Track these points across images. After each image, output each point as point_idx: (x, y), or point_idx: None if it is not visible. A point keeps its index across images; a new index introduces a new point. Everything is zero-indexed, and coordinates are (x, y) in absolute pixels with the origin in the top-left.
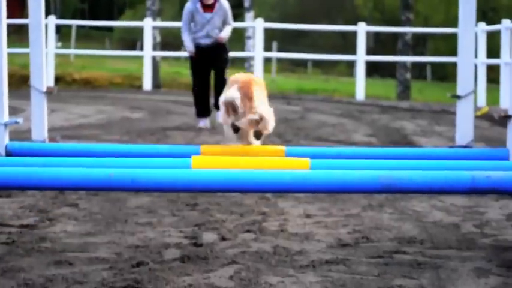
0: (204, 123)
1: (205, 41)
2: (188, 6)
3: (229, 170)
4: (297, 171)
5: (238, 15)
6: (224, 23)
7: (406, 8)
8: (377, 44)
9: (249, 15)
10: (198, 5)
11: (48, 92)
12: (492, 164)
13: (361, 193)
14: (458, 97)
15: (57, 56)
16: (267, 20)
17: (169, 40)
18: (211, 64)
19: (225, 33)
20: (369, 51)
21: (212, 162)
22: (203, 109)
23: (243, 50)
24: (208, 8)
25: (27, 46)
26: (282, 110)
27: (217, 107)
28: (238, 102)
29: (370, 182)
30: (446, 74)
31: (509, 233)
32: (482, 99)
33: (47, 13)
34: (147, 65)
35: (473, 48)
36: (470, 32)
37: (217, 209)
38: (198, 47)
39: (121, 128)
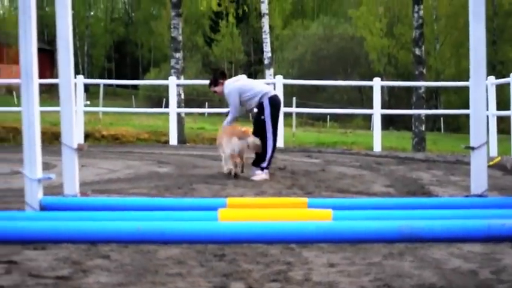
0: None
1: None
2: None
3: (254, 221)
4: (320, 221)
5: (258, 71)
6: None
7: (419, 62)
8: (391, 97)
9: (269, 72)
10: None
11: (79, 149)
12: (507, 212)
13: (382, 242)
14: (472, 148)
15: (86, 113)
16: (286, 76)
17: (192, 96)
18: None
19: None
20: (384, 105)
21: (238, 214)
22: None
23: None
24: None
25: (57, 104)
26: (302, 163)
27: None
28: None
29: (391, 232)
30: (459, 126)
31: None
32: (494, 150)
33: (76, 72)
34: (172, 120)
35: (485, 101)
36: (481, 85)
37: (244, 260)
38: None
39: (149, 182)
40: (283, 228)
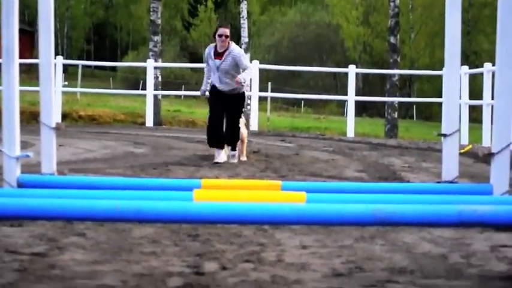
0: (220, 156)
1: (220, 86)
2: (206, 50)
3: (229, 202)
4: (294, 204)
5: None
6: (238, 68)
7: (393, 51)
8: (366, 84)
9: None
10: (212, 51)
11: (57, 128)
12: (477, 198)
13: (356, 225)
14: (444, 135)
15: (64, 94)
16: (262, 62)
17: (170, 79)
18: (225, 107)
19: (242, 76)
20: (359, 92)
21: (213, 195)
22: (215, 140)
23: None
24: (219, 55)
25: (36, 84)
26: (276, 147)
27: (230, 146)
28: None
29: (364, 215)
30: (431, 114)
31: (494, 264)
32: (465, 138)
33: (55, 54)
34: (149, 102)
35: (458, 90)
36: (455, 74)
37: (218, 240)
38: (214, 87)
39: (125, 162)
40: (257, 210)
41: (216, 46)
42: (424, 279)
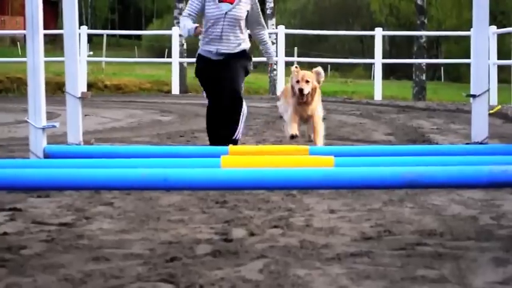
0: None
1: (218, 47)
2: None
3: (256, 168)
4: (322, 168)
5: None
6: (253, 23)
7: (420, 12)
8: (393, 47)
9: (271, 22)
10: None
11: (83, 98)
12: (508, 159)
13: (384, 189)
14: (473, 96)
15: (89, 64)
16: (288, 26)
17: (195, 47)
18: (222, 78)
19: (269, 45)
20: (385, 55)
21: (240, 161)
22: (218, 139)
23: None
24: None
25: (61, 55)
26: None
27: (232, 141)
28: None
29: (393, 178)
30: (459, 75)
31: None
32: (494, 99)
33: (80, 24)
34: (174, 70)
35: (487, 50)
36: (483, 34)
37: (245, 206)
38: (206, 55)
39: (151, 130)
40: (285, 175)
41: None
42: (454, 242)
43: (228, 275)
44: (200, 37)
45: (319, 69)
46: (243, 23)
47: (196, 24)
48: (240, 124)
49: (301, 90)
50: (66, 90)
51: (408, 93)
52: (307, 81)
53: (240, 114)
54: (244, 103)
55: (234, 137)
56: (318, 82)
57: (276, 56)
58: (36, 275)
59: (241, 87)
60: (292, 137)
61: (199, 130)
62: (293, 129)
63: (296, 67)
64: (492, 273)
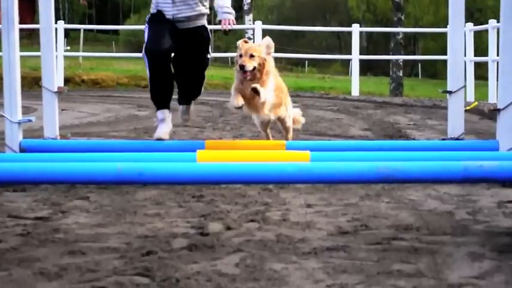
0: (165, 124)
1: (173, 10)
2: None
3: (233, 163)
4: (298, 163)
5: (238, 17)
6: None
7: (397, 9)
8: (370, 43)
9: (248, 17)
10: None
11: (59, 92)
12: (483, 154)
13: (360, 183)
14: (450, 92)
15: (67, 58)
16: (265, 22)
17: None
18: (178, 46)
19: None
20: (363, 51)
21: (216, 156)
22: (163, 92)
23: None
24: None
25: (37, 50)
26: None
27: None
28: None
29: (369, 173)
30: (436, 72)
31: (501, 220)
32: (471, 95)
33: (57, 18)
34: None
35: (463, 47)
36: (459, 31)
37: (222, 200)
38: (160, 13)
39: (128, 125)
40: (262, 169)
41: None
42: (430, 236)
43: (204, 269)
44: (151, 3)
45: (268, 39)
46: None
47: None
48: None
49: (242, 66)
50: (42, 85)
51: (385, 89)
52: (251, 56)
53: (205, 68)
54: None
55: (196, 95)
56: (268, 54)
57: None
58: (12, 268)
59: (203, 71)
60: (237, 108)
61: (176, 125)
62: (238, 99)
63: (245, 41)
64: (468, 268)
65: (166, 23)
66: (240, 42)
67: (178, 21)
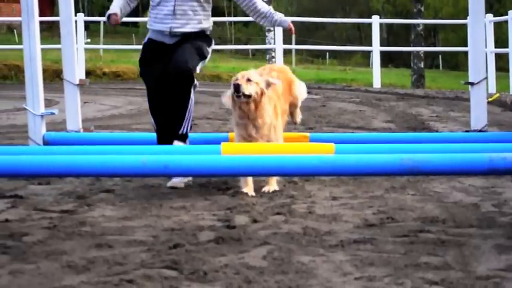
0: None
1: (171, 25)
2: None
3: (257, 155)
4: (323, 155)
5: None
6: None
7: (417, 0)
8: (390, 35)
9: None
10: None
11: (81, 84)
12: (507, 146)
13: (385, 176)
14: (471, 84)
15: (87, 51)
16: (285, 14)
17: None
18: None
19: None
20: (383, 42)
21: (240, 148)
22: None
23: (264, 43)
24: None
25: (57, 42)
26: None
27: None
28: None
29: (393, 165)
30: (457, 63)
31: None
32: (492, 87)
33: (76, 11)
34: None
35: (484, 38)
36: (480, 22)
37: (247, 193)
38: (154, 43)
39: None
40: (287, 162)
41: None
42: (457, 229)
43: (231, 262)
44: (149, 16)
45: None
46: None
47: (115, 11)
48: (187, 114)
49: (236, 86)
50: (64, 78)
51: (407, 81)
52: (248, 80)
53: (187, 100)
54: (192, 93)
55: (180, 131)
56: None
57: (274, 43)
58: (39, 261)
59: (194, 64)
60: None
61: (199, 117)
62: (247, 186)
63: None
64: (495, 261)
65: (162, 48)
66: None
67: (174, 35)
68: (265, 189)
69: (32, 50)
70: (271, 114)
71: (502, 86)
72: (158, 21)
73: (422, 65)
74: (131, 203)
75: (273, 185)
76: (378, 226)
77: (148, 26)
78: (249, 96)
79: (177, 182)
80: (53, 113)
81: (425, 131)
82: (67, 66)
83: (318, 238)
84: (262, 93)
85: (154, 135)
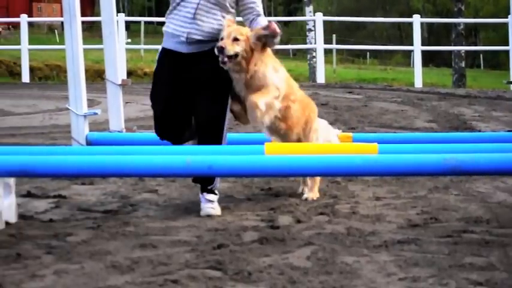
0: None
1: (190, 32)
2: None
3: (300, 155)
4: (367, 155)
5: (298, 9)
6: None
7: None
8: (430, 34)
9: (308, 9)
10: None
11: (123, 85)
12: None
13: (428, 175)
14: None
15: (128, 51)
16: (325, 14)
17: None
18: (194, 87)
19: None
20: (424, 42)
21: (284, 148)
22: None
23: (305, 42)
24: None
25: (98, 42)
26: (344, 99)
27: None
28: None
29: (437, 165)
30: (498, 63)
31: None
32: None
33: (117, 11)
34: None
35: None
36: None
37: (290, 193)
38: (168, 53)
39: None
40: (330, 162)
41: None
42: (501, 229)
43: (276, 262)
44: (166, 18)
45: (265, 22)
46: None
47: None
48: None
49: (220, 49)
50: (106, 78)
51: (448, 80)
52: (235, 39)
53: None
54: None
55: (211, 186)
56: (264, 44)
57: (315, 43)
58: (84, 261)
59: (225, 119)
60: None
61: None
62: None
63: (231, 21)
64: None
65: (178, 59)
66: (224, 21)
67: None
68: (307, 196)
69: (75, 51)
70: (271, 69)
71: None
72: (174, 25)
73: (463, 65)
74: (175, 203)
75: (315, 193)
76: (422, 226)
77: (163, 30)
78: (236, 56)
79: (210, 210)
80: (95, 113)
81: (467, 130)
82: (109, 66)
83: (361, 238)
84: (252, 50)
85: None
